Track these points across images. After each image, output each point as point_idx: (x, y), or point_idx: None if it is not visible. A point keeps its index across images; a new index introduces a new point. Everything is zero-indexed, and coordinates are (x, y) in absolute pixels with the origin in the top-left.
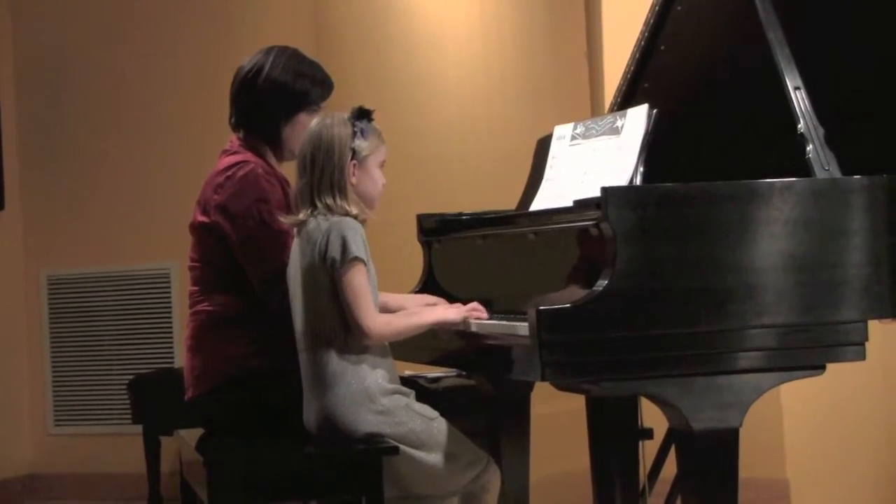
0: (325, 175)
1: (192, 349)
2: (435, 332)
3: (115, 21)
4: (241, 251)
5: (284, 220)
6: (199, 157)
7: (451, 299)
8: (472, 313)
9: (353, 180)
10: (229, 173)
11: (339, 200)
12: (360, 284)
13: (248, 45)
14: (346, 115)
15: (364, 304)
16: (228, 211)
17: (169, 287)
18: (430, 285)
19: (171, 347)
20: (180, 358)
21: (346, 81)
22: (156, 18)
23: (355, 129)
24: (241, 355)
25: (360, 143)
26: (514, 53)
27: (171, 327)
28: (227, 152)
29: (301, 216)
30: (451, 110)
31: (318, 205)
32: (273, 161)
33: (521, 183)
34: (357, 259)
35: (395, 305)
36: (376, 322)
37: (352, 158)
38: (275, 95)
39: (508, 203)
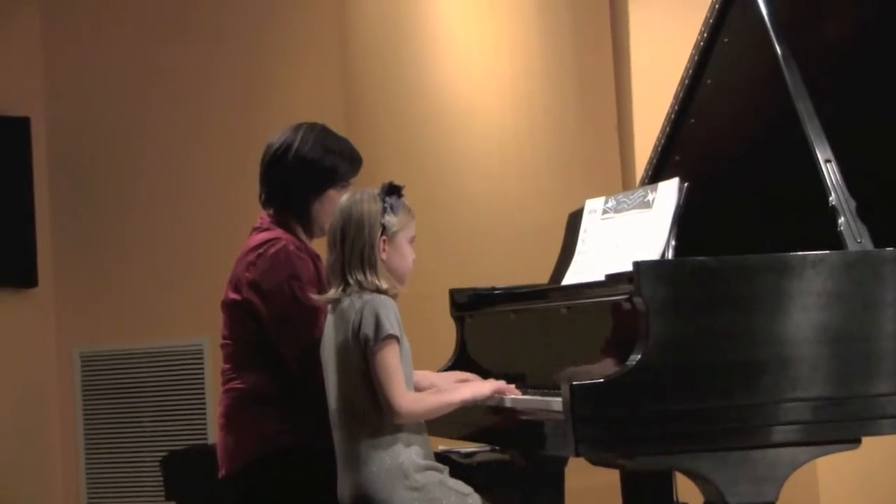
0: (356, 251)
1: (225, 427)
2: (468, 408)
3: (145, 100)
4: (273, 328)
5: (317, 298)
6: (230, 233)
7: (484, 374)
8: (502, 387)
9: (383, 256)
10: (261, 251)
11: (369, 276)
12: (392, 363)
13: (278, 121)
14: (377, 190)
15: (395, 383)
16: (261, 288)
17: (202, 363)
18: (462, 360)
19: (205, 424)
20: (214, 434)
21: (377, 156)
22: (185, 97)
23: (385, 204)
24: (274, 433)
25: (390, 219)
26: (545, 127)
27: (204, 403)
28: (257, 229)
29: (333, 293)
30: (481, 184)
31: (350, 280)
32: (304, 237)
33: (552, 257)
34: (390, 337)
35: (427, 384)
36: (406, 400)
37: (382, 234)
38: (304, 172)
39: (540, 277)
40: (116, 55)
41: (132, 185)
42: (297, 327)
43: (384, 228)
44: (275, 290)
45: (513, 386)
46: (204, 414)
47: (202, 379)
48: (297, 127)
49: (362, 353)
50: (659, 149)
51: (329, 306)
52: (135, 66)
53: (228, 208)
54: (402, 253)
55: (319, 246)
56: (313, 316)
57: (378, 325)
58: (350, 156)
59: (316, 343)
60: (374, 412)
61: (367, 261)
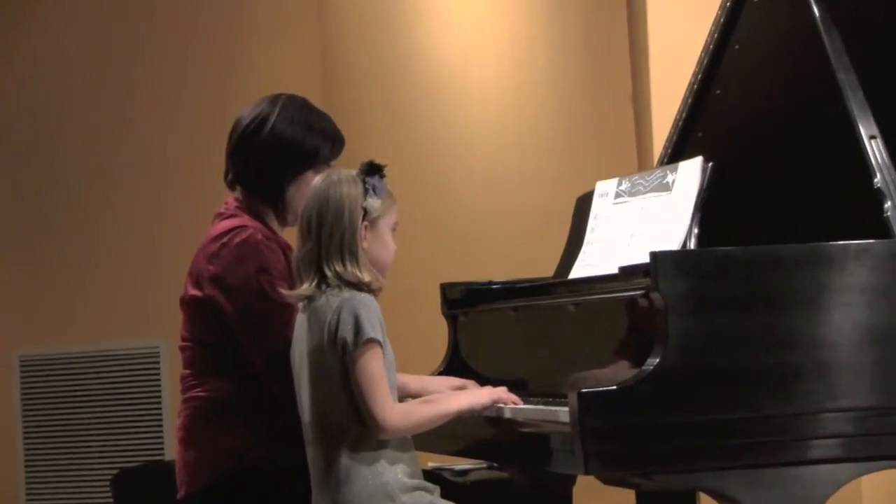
0: (335, 239)
1: (185, 440)
2: (463, 418)
3: (99, 72)
4: (239, 328)
5: (289, 294)
6: (192, 221)
7: (480, 380)
8: (503, 396)
9: (364, 244)
10: (224, 240)
11: (350, 266)
12: (375, 370)
13: (247, 96)
14: (355, 171)
15: (379, 393)
16: (225, 283)
17: (158, 368)
18: (455, 364)
19: (161, 438)
20: (172, 450)
21: (360, 131)
22: (146, 70)
23: (366, 186)
24: (240, 447)
25: (373, 203)
26: (550, 97)
27: (160, 414)
28: (221, 216)
29: (306, 288)
30: (477, 163)
31: (327, 273)
32: (275, 225)
33: (558, 246)
34: (372, 341)
35: (416, 389)
36: (392, 413)
37: (363, 219)
38: (281, 151)
39: (544, 270)
40: (74, 23)
41: (79, 166)
42: (267, 327)
43: (365, 213)
44: (241, 286)
45: (516, 398)
46: (160, 426)
47: (159, 386)
48: (274, 99)
49: (340, 358)
50: (680, 123)
51: (301, 304)
52: (94, 35)
53: (191, 193)
54: (384, 241)
55: (289, 237)
56: (285, 314)
57: (358, 327)
58: (333, 136)
59: (288, 345)
60: (353, 425)
61: (347, 249)
